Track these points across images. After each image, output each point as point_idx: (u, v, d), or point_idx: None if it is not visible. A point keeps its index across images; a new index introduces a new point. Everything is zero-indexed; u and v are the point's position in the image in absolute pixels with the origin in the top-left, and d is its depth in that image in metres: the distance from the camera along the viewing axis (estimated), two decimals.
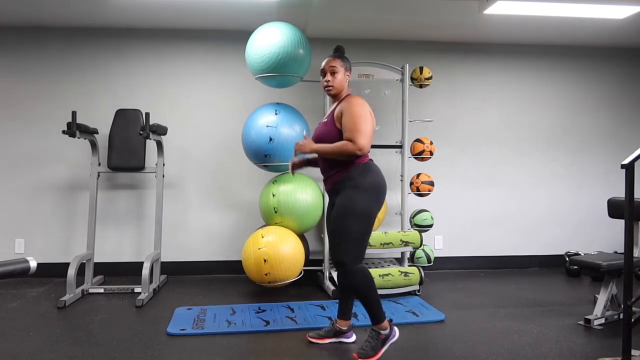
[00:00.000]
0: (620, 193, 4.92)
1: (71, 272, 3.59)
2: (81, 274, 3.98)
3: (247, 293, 3.93)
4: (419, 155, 4.17)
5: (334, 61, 2.71)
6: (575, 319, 3.28)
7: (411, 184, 4.20)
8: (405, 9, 3.82)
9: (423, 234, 4.33)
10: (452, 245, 4.84)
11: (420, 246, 4.01)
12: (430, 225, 4.23)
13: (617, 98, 5.06)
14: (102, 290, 3.90)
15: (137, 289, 3.87)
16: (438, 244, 4.81)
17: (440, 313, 3.36)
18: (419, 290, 3.88)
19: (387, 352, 2.71)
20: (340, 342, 2.85)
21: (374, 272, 3.70)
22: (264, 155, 3.79)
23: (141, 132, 3.65)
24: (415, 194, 4.21)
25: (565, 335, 2.99)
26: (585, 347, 2.80)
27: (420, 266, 4.04)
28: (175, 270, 4.49)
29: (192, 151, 4.56)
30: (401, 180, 4.19)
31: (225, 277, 4.48)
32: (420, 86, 4.24)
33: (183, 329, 3.02)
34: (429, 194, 4.20)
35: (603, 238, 5.01)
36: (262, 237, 3.65)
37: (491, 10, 3.70)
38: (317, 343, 2.84)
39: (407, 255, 4.15)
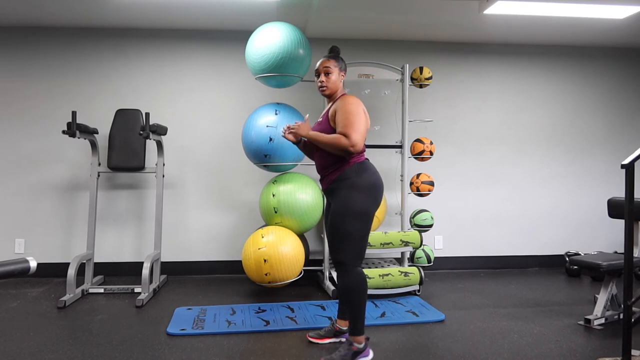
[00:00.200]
0: (620, 193, 4.92)
1: (71, 272, 3.59)
2: (81, 274, 3.99)
3: (247, 293, 3.93)
4: (419, 155, 4.17)
5: (327, 62, 2.71)
6: (575, 319, 3.29)
7: (411, 184, 4.20)
8: (405, 9, 3.82)
9: (423, 234, 4.34)
10: (452, 245, 4.84)
11: (420, 246, 4.01)
12: (430, 225, 4.23)
13: (617, 98, 5.06)
14: (102, 290, 3.90)
15: (137, 289, 3.87)
16: (438, 244, 4.81)
17: (440, 313, 3.36)
18: (419, 290, 3.88)
19: (387, 352, 2.71)
20: (340, 342, 2.84)
21: (374, 272, 3.70)
22: (264, 155, 3.79)
23: (141, 132, 3.65)
24: (415, 194, 4.21)
25: (565, 335, 2.99)
26: (585, 347, 2.80)
27: (420, 266, 4.04)
28: (175, 270, 4.49)
29: (192, 151, 4.56)
30: (401, 180, 4.19)
31: (225, 277, 4.48)
32: (420, 86, 4.24)
33: (183, 329, 3.02)
34: (429, 194, 4.20)
35: (603, 238, 5.01)
36: (262, 237, 3.65)
37: (491, 10, 3.70)
38: (317, 343, 2.84)
39: (407, 255, 4.15)
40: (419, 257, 4.16)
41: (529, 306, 3.60)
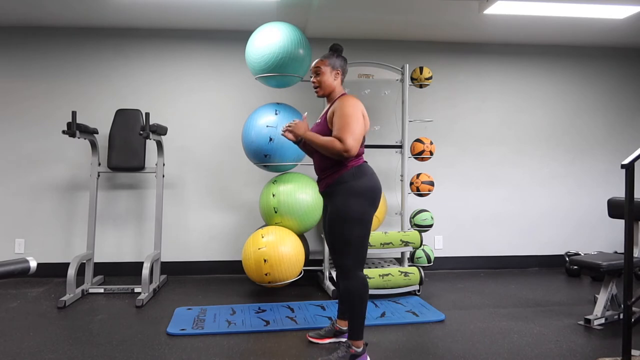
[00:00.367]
0: (620, 193, 4.92)
1: (71, 272, 3.59)
2: (81, 274, 3.99)
3: (247, 293, 3.93)
4: (419, 155, 4.16)
5: (319, 62, 2.67)
6: (575, 319, 3.29)
7: (411, 184, 4.20)
8: (405, 9, 3.82)
9: (423, 234, 4.34)
10: (452, 245, 4.84)
11: (420, 246, 4.01)
12: (430, 225, 4.23)
13: (617, 98, 5.06)
14: (102, 290, 3.90)
15: (137, 289, 3.87)
16: (438, 244, 4.81)
17: (440, 313, 3.36)
18: (419, 290, 3.88)
19: (387, 352, 2.71)
20: (340, 342, 2.84)
21: (374, 272, 3.71)
22: (264, 155, 3.79)
23: (141, 132, 3.65)
24: (415, 194, 4.21)
25: (565, 335, 2.99)
26: (585, 347, 2.80)
27: (420, 266, 4.04)
28: (175, 270, 4.49)
29: (192, 151, 4.56)
30: (401, 180, 4.19)
31: (225, 277, 4.48)
32: (420, 86, 4.24)
33: (183, 329, 3.02)
34: (429, 194, 4.19)
35: (603, 238, 5.01)
36: (262, 237, 3.65)
37: (491, 10, 3.70)
38: (318, 343, 2.84)
39: (407, 255, 4.15)
40: (419, 257, 4.16)
41: (529, 306, 3.60)
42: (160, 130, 3.88)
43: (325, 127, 2.58)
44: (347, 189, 2.51)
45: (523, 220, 4.93)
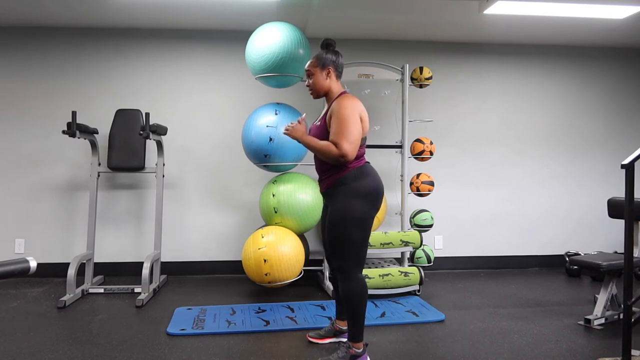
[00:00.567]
0: (620, 193, 4.92)
1: (71, 272, 3.59)
2: (81, 274, 3.99)
3: (247, 293, 3.93)
4: (419, 155, 4.17)
5: (308, 64, 2.62)
6: (575, 319, 3.29)
7: (411, 184, 4.20)
8: (405, 9, 3.82)
9: (423, 234, 4.33)
10: (452, 245, 4.84)
11: (420, 246, 4.01)
12: (430, 225, 4.23)
13: (617, 98, 5.06)
14: (102, 290, 3.90)
15: (137, 289, 3.87)
16: (438, 244, 4.81)
17: (440, 313, 3.36)
18: (419, 290, 3.88)
19: (387, 352, 2.71)
20: (340, 341, 2.84)
21: (374, 272, 3.70)
22: (264, 155, 3.79)
23: (141, 132, 3.65)
24: (415, 194, 4.21)
25: (565, 335, 2.99)
26: (585, 347, 2.80)
27: (420, 266, 4.04)
28: (175, 270, 4.49)
29: (192, 151, 4.56)
30: (401, 180, 4.19)
31: (225, 277, 4.48)
32: (420, 86, 4.24)
33: (183, 329, 3.02)
34: (429, 194, 4.19)
35: (603, 238, 5.01)
36: (262, 237, 3.65)
37: (491, 10, 3.70)
38: (317, 343, 2.84)
39: (407, 255, 4.15)
40: (419, 257, 4.16)
41: (529, 306, 3.60)
42: (160, 130, 3.88)
43: (325, 130, 2.53)
44: (348, 190, 2.47)
45: (523, 220, 4.93)
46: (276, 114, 3.79)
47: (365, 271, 3.68)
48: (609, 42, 4.83)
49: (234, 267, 4.46)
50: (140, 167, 4.04)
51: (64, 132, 3.65)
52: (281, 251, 3.59)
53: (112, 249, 4.46)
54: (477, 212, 4.87)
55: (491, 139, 4.90)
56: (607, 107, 5.05)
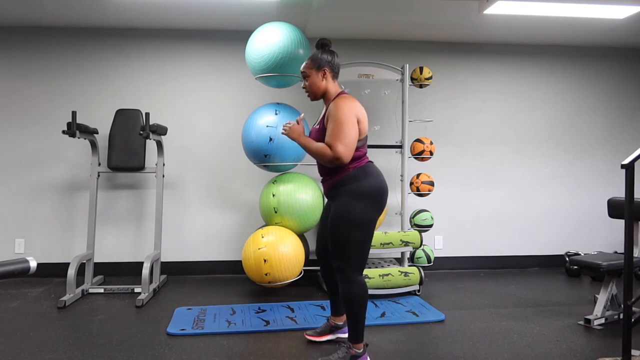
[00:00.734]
0: (620, 193, 4.92)
1: (71, 272, 3.59)
2: (81, 274, 3.99)
3: (247, 293, 3.93)
4: (419, 155, 4.17)
5: (303, 66, 2.60)
6: (575, 319, 3.29)
7: (411, 184, 4.20)
8: (405, 9, 3.82)
9: (423, 234, 4.34)
10: (452, 245, 4.84)
11: (420, 246, 4.01)
12: (430, 225, 4.23)
13: (617, 98, 5.06)
14: (102, 290, 3.90)
15: (137, 289, 3.87)
16: (438, 244, 4.81)
17: (440, 313, 3.36)
18: (419, 290, 3.88)
19: (387, 352, 2.71)
20: (337, 337, 2.84)
21: (374, 272, 3.70)
22: (264, 155, 3.79)
23: (141, 132, 3.65)
24: (415, 194, 4.21)
25: (565, 335, 2.99)
26: (585, 347, 2.80)
27: (420, 266, 4.04)
28: (175, 270, 4.49)
29: (192, 151, 4.56)
30: (401, 180, 4.20)
31: (225, 277, 4.48)
32: (420, 86, 4.24)
33: (183, 329, 3.02)
34: (429, 194, 4.20)
35: (603, 238, 5.01)
36: (262, 237, 3.65)
37: (491, 10, 3.70)
38: (315, 341, 2.84)
39: (407, 255, 4.15)
40: (419, 257, 4.16)
41: (529, 306, 3.60)
42: (160, 130, 3.88)
43: (324, 133, 2.50)
44: (350, 191, 2.45)
45: (523, 220, 4.93)
46: (276, 114, 3.79)
47: (365, 271, 3.68)
48: (609, 42, 4.83)
49: (234, 267, 4.46)
50: (140, 167, 4.04)
51: (64, 132, 3.65)
52: (281, 251, 3.59)
53: (112, 249, 4.46)
54: (477, 212, 4.87)
55: (491, 139, 4.90)
56: (607, 107, 5.05)
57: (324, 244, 2.76)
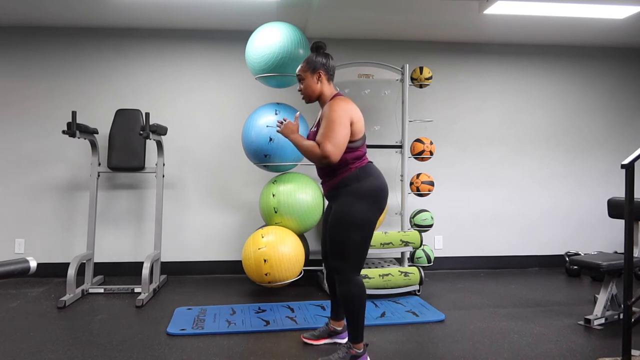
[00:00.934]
0: (620, 193, 4.92)
1: (71, 272, 3.59)
2: (81, 274, 3.99)
3: (247, 293, 3.93)
4: (419, 155, 4.17)
5: (298, 69, 2.60)
6: (575, 319, 3.29)
7: (411, 184, 4.20)
8: (405, 9, 3.82)
9: (423, 234, 4.34)
10: (452, 245, 4.84)
11: (420, 246, 4.01)
12: (430, 225, 4.23)
13: (617, 98, 5.06)
14: (102, 290, 3.90)
15: (137, 289, 3.87)
16: (438, 244, 4.81)
17: (440, 313, 3.36)
18: (419, 290, 3.88)
19: (387, 352, 2.71)
20: (335, 342, 2.83)
21: (374, 272, 3.70)
22: (263, 155, 3.79)
23: (141, 132, 3.65)
24: (415, 194, 4.21)
25: (565, 335, 2.99)
26: (585, 347, 2.80)
27: (420, 266, 4.04)
28: (175, 270, 4.49)
29: (192, 151, 4.56)
30: (401, 180, 4.19)
31: (225, 277, 4.48)
32: (420, 86, 4.24)
33: (183, 329, 3.02)
34: (429, 194, 4.20)
35: (603, 238, 5.01)
36: (262, 237, 3.65)
37: (491, 10, 3.70)
38: (312, 344, 2.83)
39: (407, 255, 4.15)
40: (419, 257, 4.16)
41: (529, 306, 3.60)
42: (160, 130, 3.88)
43: None
44: (350, 192, 2.45)
45: (523, 220, 4.93)
46: (276, 114, 3.79)
47: (365, 271, 3.68)
48: (609, 42, 4.83)
49: (234, 267, 4.46)
50: (140, 167, 4.05)
51: (64, 132, 3.65)
52: (281, 251, 3.59)
53: (112, 249, 4.46)
54: (477, 212, 4.87)
55: (491, 139, 4.90)
56: (607, 107, 5.05)
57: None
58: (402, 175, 4.18)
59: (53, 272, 4.33)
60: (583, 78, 5.02)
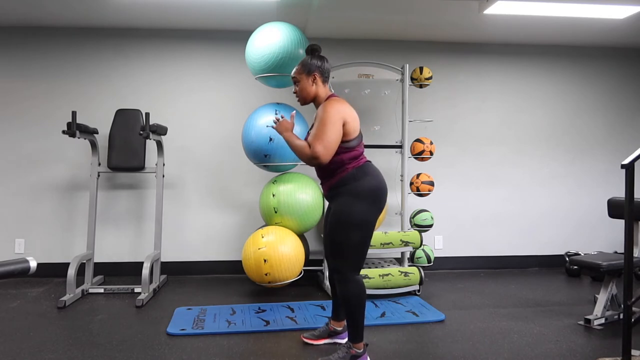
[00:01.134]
0: (620, 193, 4.92)
1: (71, 272, 3.59)
2: (81, 274, 3.99)
3: (247, 293, 3.93)
4: (419, 155, 4.17)
5: (294, 71, 2.62)
6: (575, 319, 3.29)
7: (411, 184, 4.20)
8: (405, 9, 3.82)
9: (423, 234, 4.34)
10: (452, 245, 4.84)
11: (420, 246, 4.01)
12: (430, 225, 4.23)
13: (617, 98, 5.06)
14: (102, 290, 3.90)
15: (137, 289, 3.87)
16: (438, 244, 4.81)
17: (440, 313, 3.36)
18: (419, 290, 3.88)
19: (387, 352, 2.71)
20: (335, 342, 2.83)
21: (374, 272, 3.70)
22: (263, 155, 3.79)
23: (141, 132, 3.65)
24: (415, 194, 4.21)
25: (565, 335, 2.99)
26: (585, 347, 2.80)
27: (420, 266, 4.04)
28: (175, 270, 4.49)
29: (192, 151, 4.56)
30: (401, 180, 4.19)
31: (225, 277, 4.48)
32: (420, 86, 4.24)
33: (183, 329, 3.02)
34: (429, 194, 4.20)
35: (603, 238, 5.01)
36: (262, 237, 3.65)
37: (491, 10, 3.70)
38: (312, 344, 2.83)
39: (407, 255, 4.15)
40: (419, 257, 4.16)
41: (529, 306, 3.60)
42: (160, 130, 3.88)
43: None
44: (349, 191, 2.46)
45: (523, 220, 4.93)
46: (276, 114, 3.79)
47: (365, 271, 3.68)
48: (609, 42, 4.83)
49: (234, 267, 4.46)
50: (140, 167, 4.05)
51: (64, 132, 3.65)
52: (281, 251, 3.59)
53: (112, 249, 4.46)
54: (477, 212, 4.87)
55: (491, 139, 4.90)
56: (607, 107, 5.05)
57: None
58: (402, 175, 4.18)
59: (53, 272, 4.33)
60: (583, 78, 5.02)
